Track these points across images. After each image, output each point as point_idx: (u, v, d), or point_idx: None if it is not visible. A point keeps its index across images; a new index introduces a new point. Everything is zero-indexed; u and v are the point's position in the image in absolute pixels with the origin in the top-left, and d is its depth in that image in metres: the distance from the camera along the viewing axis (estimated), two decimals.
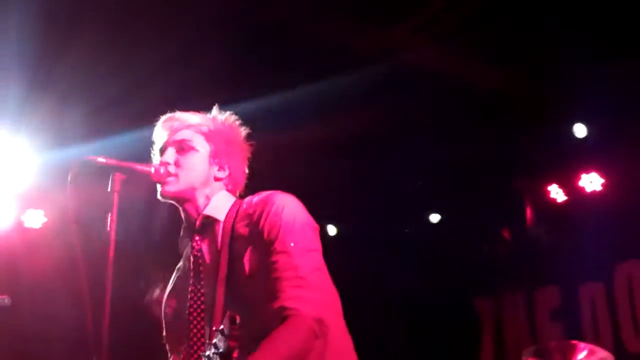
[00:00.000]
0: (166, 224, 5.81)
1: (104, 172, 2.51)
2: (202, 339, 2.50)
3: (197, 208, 2.66)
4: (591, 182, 6.77)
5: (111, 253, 2.41)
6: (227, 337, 1.96)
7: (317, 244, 2.55)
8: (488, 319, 7.87)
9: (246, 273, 2.49)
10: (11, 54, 4.81)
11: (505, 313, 7.75)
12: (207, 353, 2.04)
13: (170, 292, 2.80)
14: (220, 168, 2.71)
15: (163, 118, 2.73)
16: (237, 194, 2.77)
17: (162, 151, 2.68)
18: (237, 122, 2.78)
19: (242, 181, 2.78)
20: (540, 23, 5.35)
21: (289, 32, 5.30)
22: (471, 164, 6.78)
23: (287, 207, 2.54)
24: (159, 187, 2.64)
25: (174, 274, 2.83)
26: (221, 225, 2.62)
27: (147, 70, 5.05)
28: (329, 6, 5.20)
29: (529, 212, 7.20)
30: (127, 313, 2.53)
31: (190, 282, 2.61)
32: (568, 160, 6.83)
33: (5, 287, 4.43)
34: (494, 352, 7.75)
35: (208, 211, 2.65)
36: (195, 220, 2.66)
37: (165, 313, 2.78)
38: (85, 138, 5.34)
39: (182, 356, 2.59)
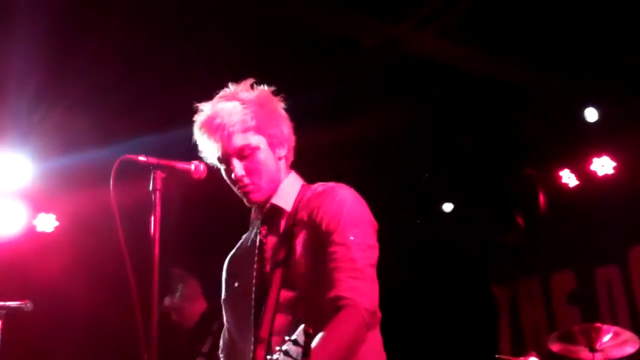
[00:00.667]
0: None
1: (144, 170, 2.49)
2: (263, 321, 2.54)
3: (269, 195, 2.69)
4: (603, 165, 6.73)
5: (156, 255, 2.39)
6: (302, 350, 1.95)
7: (375, 242, 2.57)
8: (504, 305, 7.88)
9: (297, 257, 2.55)
10: (22, 60, 4.79)
11: (522, 299, 7.75)
12: (275, 357, 2.04)
13: (232, 258, 2.85)
14: (280, 147, 2.70)
15: (202, 124, 2.65)
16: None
17: (225, 162, 2.65)
18: (261, 87, 2.70)
19: (294, 139, 2.77)
20: (549, 9, 5.31)
21: (292, 27, 5.26)
22: (482, 151, 6.75)
23: (349, 201, 2.57)
24: (237, 191, 2.65)
25: (240, 241, 2.87)
26: (287, 214, 2.66)
27: (159, 75, 5.02)
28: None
29: (541, 198, 7.16)
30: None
31: (255, 266, 2.65)
32: (579, 145, 6.79)
33: (18, 291, 4.40)
34: (511, 337, 7.76)
35: (276, 200, 2.68)
36: (265, 204, 2.69)
37: (227, 275, 2.83)
38: (96, 142, 5.32)
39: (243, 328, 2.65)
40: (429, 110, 6.17)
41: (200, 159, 2.67)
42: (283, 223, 2.65)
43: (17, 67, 4.86)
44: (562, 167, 7.00)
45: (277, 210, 2.68)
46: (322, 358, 2.24)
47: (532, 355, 5.26)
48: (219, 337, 2.82)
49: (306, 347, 1.93)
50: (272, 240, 2.66)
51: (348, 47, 5.51)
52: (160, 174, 2.49)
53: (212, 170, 2.73)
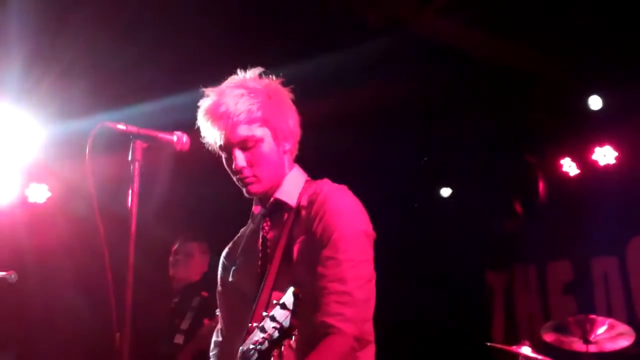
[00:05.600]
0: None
1: (123, 139, 2.40)
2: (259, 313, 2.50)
3: (270, 188, 2.62)
4: (605, 155, 6.66)
5: (133, 228, 2.31)
6: (290, 313, 1.88)
7: (369, 254, 2.49)
8: (499, 292, 7.82)
9: (294, 260, 2.49)
10: (13, 26, 4.69)
11: (517, 286, 7.68)
12: (263, 324, 1.99)
13: (230, 252, 2.80)
14: (285, 140, 2.61)
15: (207, 110, 2.55)
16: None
17: (226, 151, 2.57)
18: (273, 79, 2.61)
19: (299, 133, 2.67)
20: None
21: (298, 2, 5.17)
22: (483, 136, 6.67)
23: (345, 211, 2.48)
24: (237, 182, 2.59)
25: (238, 235, 2.83)
26: (291, 209, 2.59)
27: (152, 41, 4.93)
28: None
29: (541, 186, 7.09)
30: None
31: (259, 263, 2.60)
32: (581, 133, 6.71)
33: (9, 262, 4.36)
34: (504, 325, 7.70)
35: (280, 195, 2.61)
36: (266, 198, 2.64)
37: (223, 270, 2.79)
38: (89, 111, 5.22)
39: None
40: (428, 93, 6.08)
41: (184, 129, 2.57)
42: (286, 218, 2.59)
43: (9, 33, 4.76)
44: (563, 156, 6.93)
45: (281, 205, 2.61)
46: None
47: (525, 345, 5.17)
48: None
49: (294, 310, 1.88)
50: (274, 236, 2.60)
51: (353, 24, 5.41)
52: (140, 144, 2.40)
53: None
